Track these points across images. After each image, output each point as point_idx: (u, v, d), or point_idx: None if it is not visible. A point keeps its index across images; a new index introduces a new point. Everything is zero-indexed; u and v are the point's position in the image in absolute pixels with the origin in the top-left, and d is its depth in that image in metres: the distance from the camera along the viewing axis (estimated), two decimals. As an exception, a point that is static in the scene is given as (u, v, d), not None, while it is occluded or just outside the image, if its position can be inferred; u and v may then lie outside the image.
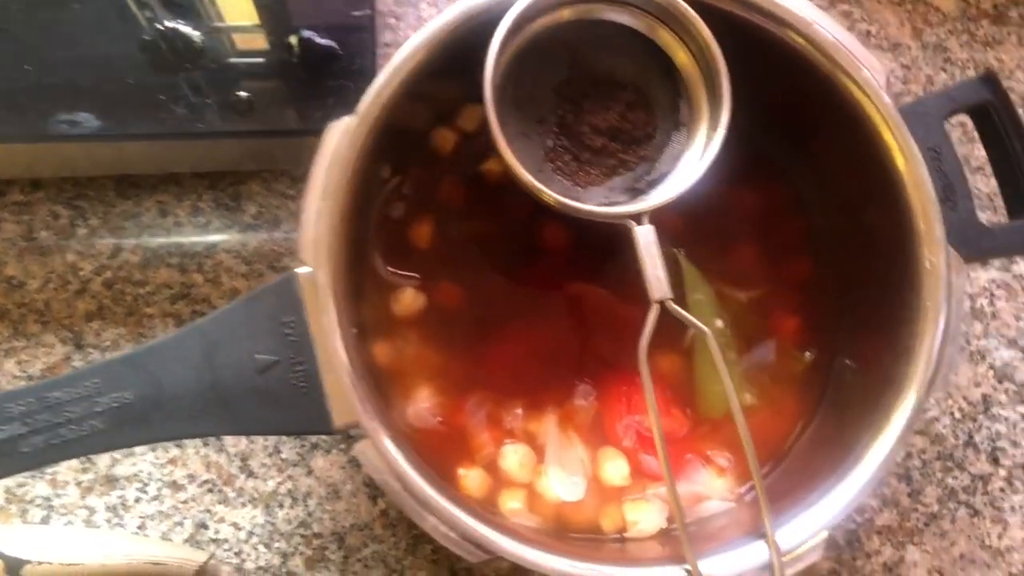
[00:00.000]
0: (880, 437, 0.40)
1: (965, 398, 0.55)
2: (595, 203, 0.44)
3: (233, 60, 0.45)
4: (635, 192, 0.44)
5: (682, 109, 0.45)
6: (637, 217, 0.41)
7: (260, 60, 0.45)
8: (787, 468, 0.47)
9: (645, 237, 0.40)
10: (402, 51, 0.41)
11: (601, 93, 0.45)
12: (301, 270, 0.40)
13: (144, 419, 0.39)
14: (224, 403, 0.39)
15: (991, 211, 0.57)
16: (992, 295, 0.57)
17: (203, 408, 0.39)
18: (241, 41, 0.45)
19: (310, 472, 0.52)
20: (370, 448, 0.38)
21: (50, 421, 0.38)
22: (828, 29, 0.43)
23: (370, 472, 0.38)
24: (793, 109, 0.48)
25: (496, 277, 0.49)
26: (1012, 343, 0.56)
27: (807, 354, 0.49)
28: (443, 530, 0.38)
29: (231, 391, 0.39)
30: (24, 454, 0.38)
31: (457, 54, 0.43)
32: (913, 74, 0.59)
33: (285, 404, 0.39)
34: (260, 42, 0.45)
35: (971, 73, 0.59)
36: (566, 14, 0.43)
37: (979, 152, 0.58)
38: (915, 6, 0.60)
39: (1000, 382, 0.55)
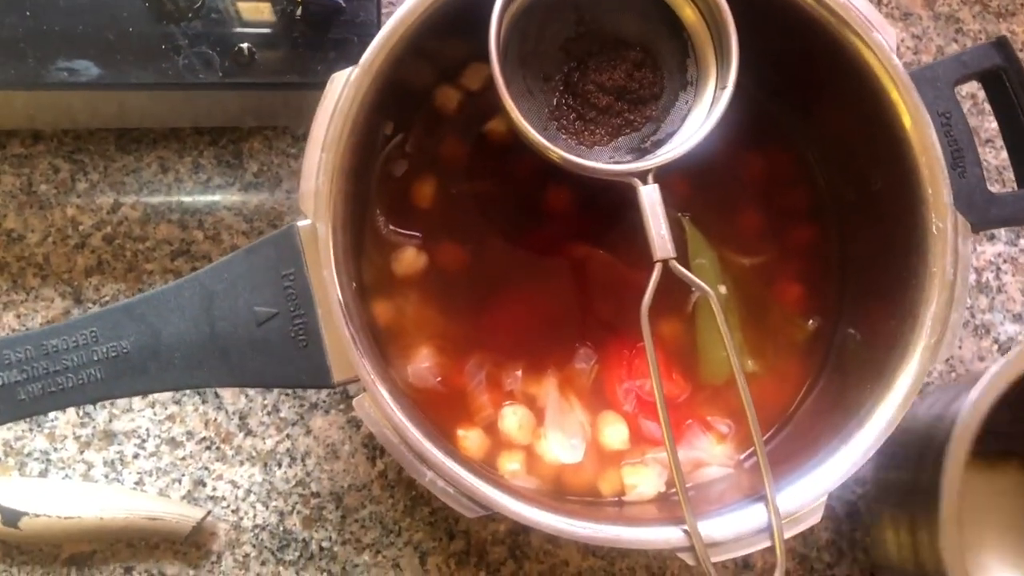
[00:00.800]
0: (883, 402, 0.40)
1: (968, 371, 0.55)
2: (600, 162, 0.44)
3: (235, 11, 0.44)
4: (641, 152, 0.44)
5: (689, 68, 0.44)
6: (642, 175, 0.40)
7: (263, 11, 0.44)
8: (789, 434, 0.47)
9: (650, 196, 0.40)
10: (407, 3, 0.40)
11: (608, 51, 0.45)
12: (301, 222, 0.40)
13: (142, 369, 0.39)
14: (222, 354, 0.39)
15: (999, 184, 0.57)
16: (999, 269, 0.56)
17: (201, 359, 0.39)
18: (245, -9, 0.44)
19: (309, 431, 0.52)
20: (368, 401, 0.38)
21: (48, 369, 0.38)
22: (839, -11, 0.42)
23: (368, 425, 0.38)
24: (800, 71, 0.47)
25: (499, 238, 0.49)
26: (1017, 318, 0.56)
27: (810, 322, 0.49)
28: (441, 485, 0.38)
29: (229, 342, 0.39)
30: (21, 401, 0.38)
31: (463, 11, 0.42)
32: (924, 44, 0.58)
33: (284, 357, 0.39)
34: (263, -7, 0.44)
35: (983, 44, 0.58)
36: (574, -30, 0.43)
37: (989, 124, 0.58)
38: (928, -25, 0.59)
39: (1004, 356, 0.55)
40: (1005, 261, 0.56)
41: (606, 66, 0.44)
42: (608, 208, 0.48)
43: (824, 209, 0.50)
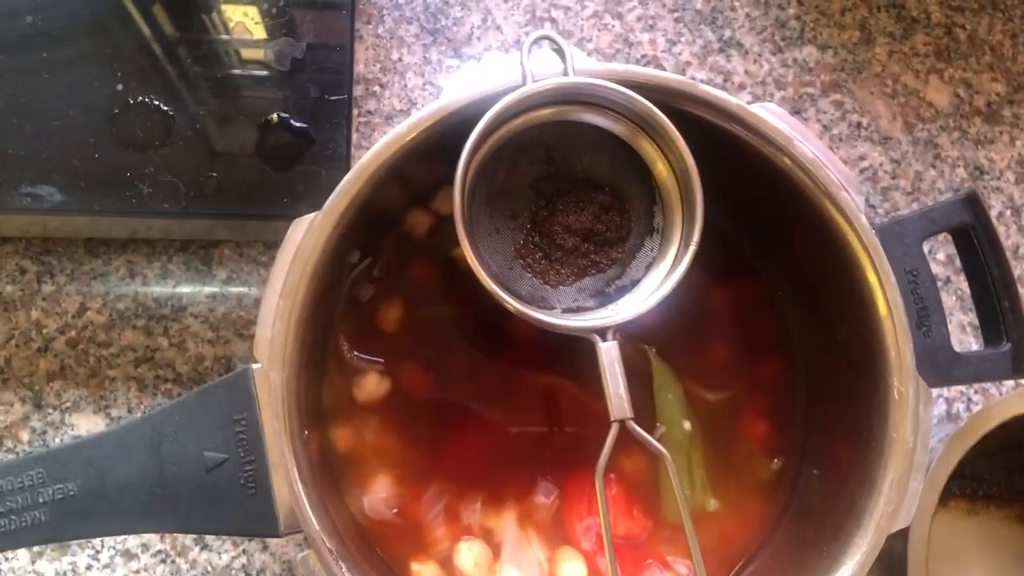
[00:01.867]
0: (838, 572, 0.39)
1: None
2: (563, 305, 0.43)
3: (203, 140, 0.44)
4: (604, 297, 0.43)
5: (656, 215, 0.44)
6: (602, 332, 0.40)
7: (231, 140, 0.44)
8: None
9: (608, 354, 0.40)
10: (372, 151, 0.40)
11: (577, 192, 0.44)
12: (255, 366, 0.39)
13: (88, 513, 0.38)
14: (171, 500, 0.39)
15: (972, 313, 0.56)
16: (970, 400, 0.56)
17: (148, 504, 0.38)
18: (213, 120, 0.44)
19: (265, 547, 0.51)
20: (314, 560, 0.38)
21: (-9, 510, 0.38)
22: (809, 146, 0.42)
23: (312, 583, 0.38)
24: (771, 214, 0.47)
25: (463, 364, 0.48)
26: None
27: (775, 462, 0.48)
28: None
29: (178, 488, 0.39)
30: (-40, 544, 0.38)
31: (434, 142, 0.42)
32: (902, 169, 0.58)
33: (232, 505, 0.39)
34: (232, 122, 0.44)
35: (960, 171, 0.58)
36: (545, 114, 0.42)
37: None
38: (908, 99, 0.59)
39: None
40: (976, 392, 0.56)
41: (574, 207, 0.44)
42: (576, 338, 0.48)
43: (791, 345, 0.50)
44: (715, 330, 0.50)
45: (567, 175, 0.44)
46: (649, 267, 0.43)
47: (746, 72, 0.59)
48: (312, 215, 0.40)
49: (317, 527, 0.38)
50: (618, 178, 0.44)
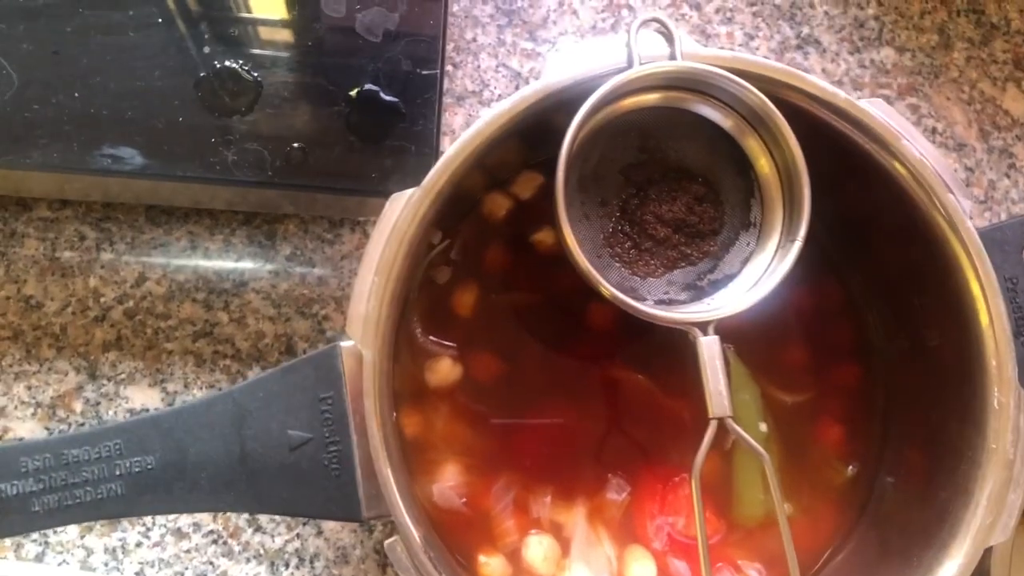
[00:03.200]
0: (931, 583, 0.38)
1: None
2: (654, 297, 0.42)
3: (290, 109, 0.42)
4: (696, 290, 0.42)
5: (754, 209, 0.43)
6: (703, 326, 0.39)
7: (319, 111, 0.43)
8: (824, 584, 0.46)
9: (710, 349, 0.38)
10: (473, 128, 0.39)
11: (670, 181, 0.43)
12: (345, 343, 0.38)
13: (166, 488, 0.37)
14: (251, 478, 0.37)
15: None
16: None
17: (228, 482, 0.37)
18: (301, 89, 0.43)
19: (320, 533, 0.50)
20: (401, 547, 0.36)
21: (66, 480, 0.36)
22: (916, 145, 0.41)
23: (398, 570, 0.36)
24: (862, 213, 0.46)
25: (537, 353, 0.47)
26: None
27: (850, 468, 0.47)
28: (468, 643, 0.36)
29: (259, 466, 0.37)
30: (35, 514, 0.36)
31: (525, 125, 0.41)
32: (976, 177, 0.57)
33: (315, 486, 0.37)
34: (321, 92, 0.43)
35: (1036, 182, 0.57)
36: (651, 99, 0.41)
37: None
38: (984, 106, 0.58)
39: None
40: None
41: (666, 196, 0.43)
42: (652, 332, 0.47)
43: (872, 351, 0.49)
44: (794, 331, 0.49)
45: (660, 163, 0.43)
46: (746, 262, 0.42)
47: (823, 71, 0.58)
48: (410, 191, 0.38)
49: (406, 514, 0.36)
50: (714, 168, 0.43)
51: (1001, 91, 0.58)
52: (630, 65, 0.40)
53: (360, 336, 0.38)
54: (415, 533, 0.36)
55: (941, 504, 0.41)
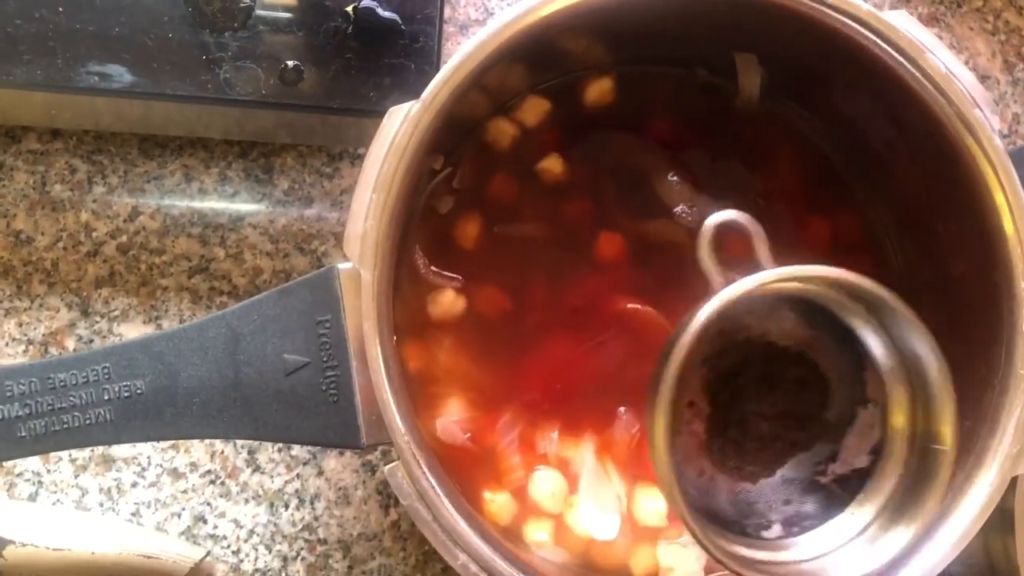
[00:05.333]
0: (955, 513, 0.37)
1: None
2: (778, 516, 0.37)
3: (285, 25, 0.41)
4: (820, 491, 0.38)
5: (870, 384, 0.37)
6: None
7: (315, 27, 0.41)
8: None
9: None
10: (473, 40, 0.37)
11: (761, 365, 0.38)
12: (343, 265, 0.37)
13: (156, 413, 0.36)
14: (245, 404, 0.36)
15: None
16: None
17: (221, 407, 0.36)
18: (296, 4, 0.41)
19: (320, 472, 0.48)
20: (402, 472, 0.35)
21: (53, 405, 0.35)
22: (942, 59, 0.39)
23: (400, 498, 0.35)
24: (883, 134, 0.44)
25: (543, 286, 0.45)
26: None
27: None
28: (473, 569, 0.35)
29: (253, 391, 0.36)
30: (21, 439, 0.35)
31: (531, 43, 0.39)
32: (1000, 110, 0.55)
33: (312, 412, 0.36)
34: (316, 7, 0.41)
35: (1061, 116, 0.55)
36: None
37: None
38: (1009, 37, 0.56)
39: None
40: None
41: (763, 385, 0.37)
42: (661, 263, 0.45)
43: (893, 284, 0.46)
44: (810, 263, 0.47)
45: (747, 345, 0.37)
46: (876, 452, 0.37)
47: (841, 0, 0.55)
48: (409, 104, 0.37)
49: (407, 437, 0.35)
50: (812, 343, 0.37)
51: (1026, 21, 0.56)
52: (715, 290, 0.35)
53: (358, 256, 0.36)
54: (417, 457, 0.35)
55: (966, 434, 0.39)
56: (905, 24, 0.39)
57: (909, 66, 0.39)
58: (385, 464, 0.35)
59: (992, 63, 0.56)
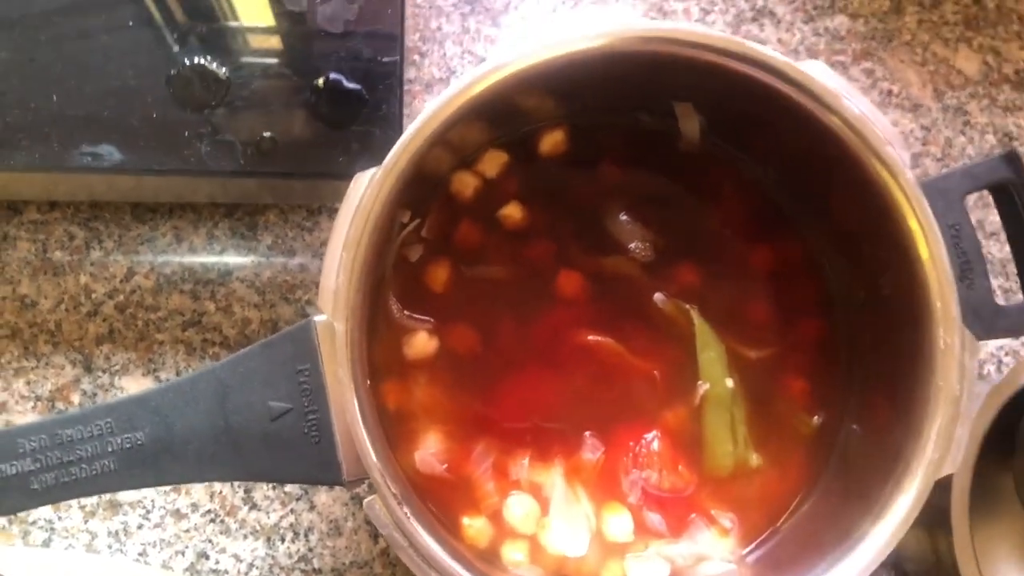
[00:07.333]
0: (884, 518, 0.40)
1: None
2: None
3: (259, 100, 0.45)
4: None
5: None
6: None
7: (286, 101, 0.45)
8: (791, 532, 0.47)
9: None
10: (431, 106, 0.41)
11: None
12: (318, 318, 0.40)
13: (154, 461, 0.39)
14: (235, 449, 0.39)
15: (1003, 277, 0.57)
16: (1000, 362, 0.57)
17: (214, 453, 0.39)
18: (268, 81, 0.45)
19: (312, 507, 0.52)
20: (379, 504, 0.38)
21: (61, 459, 0.39)
22: (855, 103, 0.43)
23: (378, 527, 0.39)
24: (812, 170, 0.48)
25: (510, 323, 0.49)
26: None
27: (815, 418, 0.49)
28: (449, 590, 0.38)
29: (243, 436, 0.39)
30: (34, 491, 0.38)
31: (485, 104, 0.43)
32: (932, 136, 0.59)
33: (296, 453, 0.39)
34: (287, 82, 0.45)
35: (990, 138, 0.59)
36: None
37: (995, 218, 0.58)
38: (937, 68, 0.60)
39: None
40: (1007, 354, 0.57)
41: None
42: (617, 296, 0.49)
43: (833, 305, 0.50)
44: (756, 290, 0.50)
45: None
46: None
47: (779, 40, 0.59)
48: (373, 169, 0.40)
49: (381, 471, 0.38)
50: None
51: (953, 51, 0.60)
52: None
53: (331, 309, 0.40)
54: (392, 489, 0.38)
55: (896, 444, 0.43)
56: (820, 72, 0.43)
57: (827, 111, 0.43)
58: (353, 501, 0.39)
59: (923, 92, 0.60)
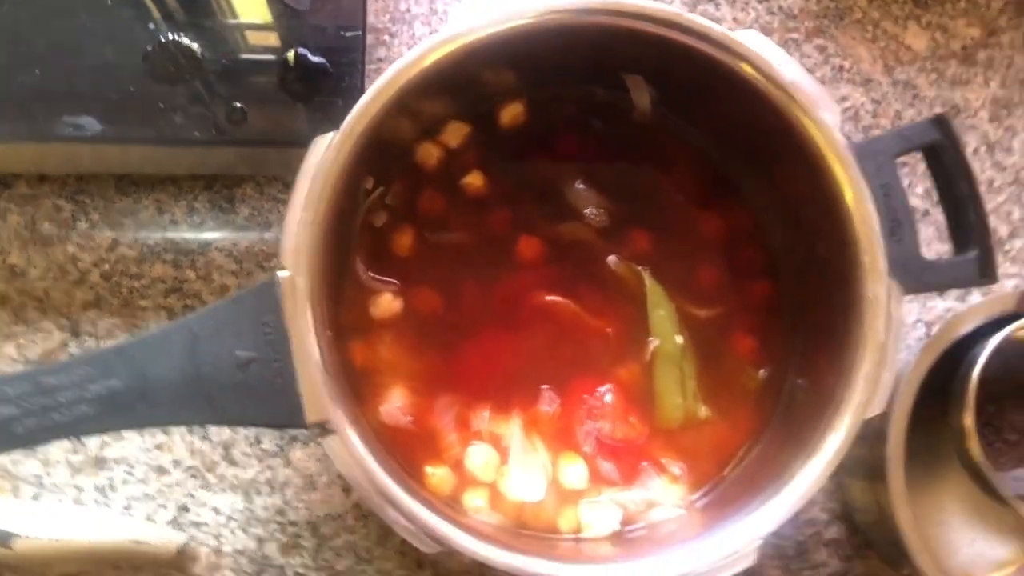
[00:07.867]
0: (816, 455, 0.43)
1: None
2: None
3: (230, 74, 0.48)
4: None
5: None
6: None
7: (256, 74, 0.48)
8: (737, 478, 0.50)
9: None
10: (387, 73, 0.44)
11: None
12: (281, 274, 0.43)
13: (130, 406, 0.42)
14: (205, 395, 0.42)
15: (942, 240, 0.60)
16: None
17: (186, 398, 0.42)
18: (238, 56, 0.48)
19: (288, 463, 0.55)
20: (338, 443, 0.41)
21: (43, 404, 0.41)
22: (788, 69, 0.45)
23: (337, 464, 0.41)
24: (754, 138, 0.50)
25: (472, 286, 0.52)
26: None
27: (761, 372, 0.52)
28: (403, 523, 0.41)
29: (213, 384, 0.42)
30: (17, 435, 0.41)
31: (443, 75, 0.46)
32: (883, 108, 0.62)
33: (261, 398, 0.42)
34: (256, 57, 0.48)
35: (938, 110, 0.61)
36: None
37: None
38: (887, 44, 0.62)
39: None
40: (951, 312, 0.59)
41: None
42: (574, 260, 0.52)
43: (779, 267, 0.53)
44: (706, 253, 0.53)
45: None
46: None
47: (734, 19, 0.62)
48: (331, 134, 0.43)
49: (339, 411, 0.41)
50: None
51: (903, 28, 0.63)
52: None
53: (292, 265, 0.42)
54: (348, 428, 0.41)
55: (830, 391, 0.45)
56: (754, 41, 0.46)
57: (762, 77, 0.46)
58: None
59: (874, 67, 0.62)
